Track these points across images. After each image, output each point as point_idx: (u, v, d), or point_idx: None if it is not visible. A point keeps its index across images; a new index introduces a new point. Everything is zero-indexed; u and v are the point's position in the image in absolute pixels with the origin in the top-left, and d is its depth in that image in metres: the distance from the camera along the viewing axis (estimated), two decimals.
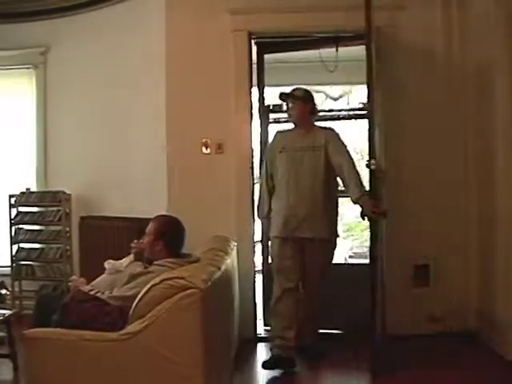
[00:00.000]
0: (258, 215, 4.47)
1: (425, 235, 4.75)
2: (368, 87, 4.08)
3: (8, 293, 4.63)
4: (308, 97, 4.22)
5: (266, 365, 4.02)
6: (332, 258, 4.26)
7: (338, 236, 4.27)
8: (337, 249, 4.29)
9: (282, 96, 4.27)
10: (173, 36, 4.86)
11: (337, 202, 4.23)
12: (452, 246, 4.75)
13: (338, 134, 4.17)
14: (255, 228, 4.86)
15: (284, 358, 4.03)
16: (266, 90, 5.21)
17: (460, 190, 4.75)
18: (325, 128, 4.25)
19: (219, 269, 3.29)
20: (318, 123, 4.31)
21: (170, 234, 3.37)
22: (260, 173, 4.49)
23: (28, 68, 6.02)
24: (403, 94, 4.72)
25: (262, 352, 4.51)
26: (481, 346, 4.45)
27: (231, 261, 3.99)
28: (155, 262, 3.25)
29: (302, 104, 4.19)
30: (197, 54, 4.85)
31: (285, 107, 4.40)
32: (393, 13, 4.75)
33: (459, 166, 4.76)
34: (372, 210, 3.90)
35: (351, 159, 4.05)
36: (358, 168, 4.06)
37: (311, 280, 4.20)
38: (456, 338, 4.59)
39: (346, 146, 4.12)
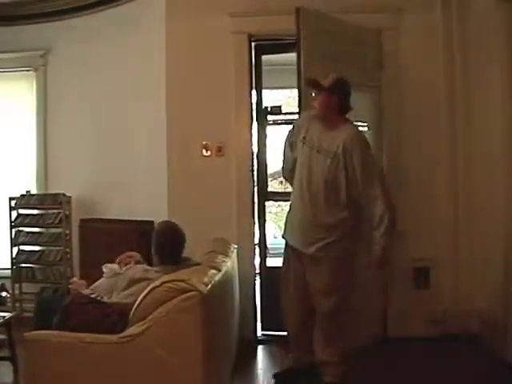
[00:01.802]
0: (283, 173, 3.97)
1: (425, 238, 4.75)
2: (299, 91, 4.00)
3: (8, 295, 4.63)
4: (338, 87, 3.52)
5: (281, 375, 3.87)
6: (342, 279, 3.61)
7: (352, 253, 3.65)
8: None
9: (310, 82, 3.64)
10: (173, 39, 4.86)
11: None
12: (452, 249, 4.75)
13: (363, 139, 3.57)
14: (255, 231, 4.86)
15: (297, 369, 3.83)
16: (264, 92, 5.20)
17: (461, 191, 4.75)
18: (348, 127, 3.57)
19: (219, 271, 3.29)
20: None
21: (156, 245, 3.44)
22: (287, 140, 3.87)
23: (28, 71, 6.03)
24: (403, 95, 4.75)
25: (262, 354, 4.51)
26: (481, 349, 4.44)
27: (231, 263, 3.99)
28: (155, 269, 3.30)
29: (327, 95, 3.52)
30: (197, 56, 4.86)
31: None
32: (393, 15, 4.76)
33: (460, 166, 4.76)
34: (379, 265, 3.53)
35: (385, 189, 3.44)
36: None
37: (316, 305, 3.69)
38: (456, 341, 4.59)
39: (375, 163, 3.56)
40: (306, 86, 3.76)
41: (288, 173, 3.86)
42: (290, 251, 3.77)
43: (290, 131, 3.84)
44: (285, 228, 3.86)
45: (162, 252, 3.42)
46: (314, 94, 3.62)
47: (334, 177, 3.46)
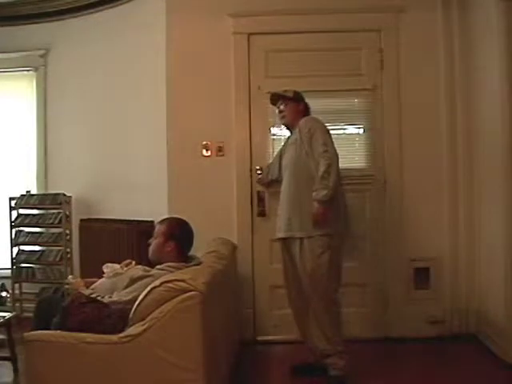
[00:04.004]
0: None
1: (425, 238, 4.76)
2: None
3: (8, 295, 4.64)
4: (299, 96, 4.10)
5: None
6: (323, 261, 3.76)
7: (329, 234, 3.77)
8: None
9: (274, 97, 4.17)
10: (173, 39, 4.86)
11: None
12: (452, 249, 4.75)
13: (308, 122, 3.93)
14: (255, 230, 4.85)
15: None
16: None
17: (461, 192, 4.75)
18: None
19: (220, 271, 3.29)
20: None
21: (180, 235, 3.43)
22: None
23: (28, 71, 6.02)
24: (404, 95, 4.76)
25: (262, 355, 4.51)
26: (481, 349, 4.44)
27: (231, 263, 3.99)
28: (157, 267, 3.26)
29: (294, 104, 4.07)
30: (197, 56, 4.85)
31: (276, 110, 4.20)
32: (393, 15, 4.77)
33: (460, 166, 4.75)
34: (317, 215, 3.70)
35: (327, 156, 3.72)
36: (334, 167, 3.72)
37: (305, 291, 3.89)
38: (456, 341, 4.60)
39: (319, 138, 3.81)
40: (272, 102, 4.21)
41: (265, 176, 4.58)
42: (280, 248, 4.05)
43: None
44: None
45: (186, 244, 3.45)
46: (281, 107, 4.09)
47: (298, 157, 3.87)
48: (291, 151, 3.96)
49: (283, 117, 4.11)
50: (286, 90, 4.11)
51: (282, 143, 4.41)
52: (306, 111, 4.10)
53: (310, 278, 3.77)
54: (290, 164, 3.94)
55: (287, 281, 4.04)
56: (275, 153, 4.54)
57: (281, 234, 3.95)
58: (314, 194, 3.69)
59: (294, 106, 4.06)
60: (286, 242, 3.95)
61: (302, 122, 3.94)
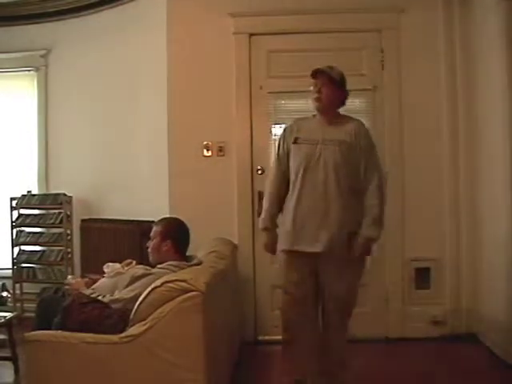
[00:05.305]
0: (260, 224, 3.52)
1: (426, 238, 4.76)
2: None
3: (9, 295, 4.64)
4: (344, 82, 3.42)
5: None
6: (357, 283, 3.39)
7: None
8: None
9: (317, 73, 3.38)
10: (174, 39, 4.86)
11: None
12: (453, 249, 4.75)
13: (368, 133, 3.41)
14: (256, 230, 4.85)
15: None
16: None
17: (462, 192, 4.75)
18: (353, 119, 3.44)
19: (220, 271, 3.29)
20: None
21: (176, 233, 3.43)
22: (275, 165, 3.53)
23: (29, 71, 6.02)
24: (405, 95, 4.76)
25: (263, 355, 4.51)
26: (482, 349, 4.44)
27: (232, 263, 3.99)
28: (158, 266, 3.26)
29: (335, 88, 3.35)
30: (198, 56, 4.86)
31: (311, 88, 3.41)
32: (394, 15, 4.77)
33: (462, 166, 4.75)
34: (362, 254, 3.28)
35: (381, 179, 3.31)
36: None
37: (331, 316, 3.37)
38: (457, 341, 4.60)
39: (377, 153, 3.38)
40: (312, 75, 3.40)
41: (267, 223, 3.45)
42: (294, 262, 3.34)
43: (277, 147, 3.53)
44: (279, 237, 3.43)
45: (183, 242, 3.44)
46: (319, 87, 3.35)
47: (344, 162, 3.25)
48: (337, 149, 3.26)
49: (318, 99, 3.35)
50: (332, 67, 3.40)
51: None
52: (343, 101, 3.44)
53: (346, 299, 3.34)
54: (336, 164, 3.24)
55: (302, 305, 3.34)
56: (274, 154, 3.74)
57: (319, 249, 3.24)
58: (366, 228, 3.21)
59: (334, 91, 3.36)
60: (316, 255, 3.26)
61: (360, 126, 3.38)
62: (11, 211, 5.69)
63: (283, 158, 3.42)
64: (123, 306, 3.01)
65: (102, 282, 3.45)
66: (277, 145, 3.55)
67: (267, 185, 3.53)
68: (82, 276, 4.14)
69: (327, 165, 3.24)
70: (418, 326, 4.69)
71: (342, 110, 3.48)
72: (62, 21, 5.76)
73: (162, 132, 4.88)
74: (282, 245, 3.38)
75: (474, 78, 4.66)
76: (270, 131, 4.85)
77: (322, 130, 3.34)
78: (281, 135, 3.54)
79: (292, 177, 3.35)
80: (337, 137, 3.29)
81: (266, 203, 3.48)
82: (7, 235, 5.70)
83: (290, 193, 3.36)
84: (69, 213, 5.62)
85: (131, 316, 2.82)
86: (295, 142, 3.37)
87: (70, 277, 3.81)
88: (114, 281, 3.37)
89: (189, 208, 4.63)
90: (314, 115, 3.48)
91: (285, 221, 3.38)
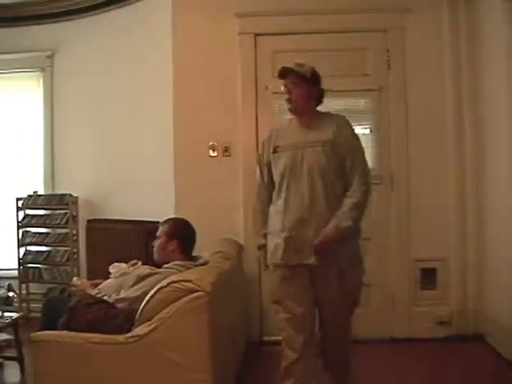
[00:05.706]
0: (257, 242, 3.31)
1: (431, 238, 4.74)
2: None
3: (15, 295, 4.64)
4: (317, 78, 3.14)
5: None
6: (358, 290, 3.16)
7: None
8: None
9: (284, 71, 3.11)
10: (179, 39, 4.87)
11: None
12: (459, 250, 4.73)
13: (351, 127, 3.16)
14: None
15: None
16: None
17: (468, 192, 4.73)
18: (333, 115, 3.19)
19: (226, 272, 3.29)
20: None
21: (182, 233, 3.44)
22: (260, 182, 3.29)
23: (35, 71, 6.04)
24: (410, 95, 4.76)
25: (268, 355, 4.50)
26: (488, 350, 4.42)
27: (238, 264, 3.99)
28: (164, 266, 3.27)
29: (307, 86, 3.08)
30: (204, 57, 4.86)
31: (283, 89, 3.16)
32: (400, 15, 4.76)
33: (468, 166, 4.74)
34: (322, 249, 2.94)
35: (365, 173, 3.06)
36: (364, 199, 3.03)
37: (332, 328, 3.17)
38: (463, 341, 4.58)
39: (361, 146, 3.13)
40: (280, 75, 3.15)
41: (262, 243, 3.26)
42: (284, 276, 3.10)
43: (258, 162, 3.30)
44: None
45: (189, 242, 3.46)
46: (290, 86, 3.10)
47: (329, 164, 3.02)
48: (321, 149, 3.02)
49: (290, 100, 3.11)
50: (301, 65, 3.11)
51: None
52: (320, 98, 3.17)
53: (348, 312, 3.17)
54: (321, 169, 3.01)
55: (302, 321, 3.05)
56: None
57: (311, 261, 2.98)
58: (336, 216, 2.95)
59: (306, 89, 3.09)
60: (314, 267, 3.02)
61: (342, 120, 3.16)
62: (17, 212, 5.71)
63: (265, 171, 3.21)
64: (129, 305, 3.02)
65: (108, 282, 3.46)
66: (257, 160, 3.32)
67: (255, 200, 3.28)
68: (88, 278, 4.15)
69: (312, 170, 3.01)
70: (423, 326, 4.68)
71: (340, 110, 3.44)
72: (67, 22, 5.78)
73: (167, 132, 4.89)
74: (274, 259, 3.14)
75: (480, 78, 4.65)
76: None
77: (302, 133, 3.10)
78: (260, 148, 3.32)
79: (276, 187, 3.14)
80: (319, 137, 3.05)
81: (257, 223, 3.27)
82: (13, 235, 5.72)
83: (276, 202, 3.12)
84: (74, 213, 5.63)
85: (137, 316, 2.83)
86: (275, 151, 3.14)
87: (75, 278, 3.83)
88: (119, 281, 3.38)
89: (194, 208, 4.63)
90: (291, 119, 3.24)
91: (274, 233, 3.13)
